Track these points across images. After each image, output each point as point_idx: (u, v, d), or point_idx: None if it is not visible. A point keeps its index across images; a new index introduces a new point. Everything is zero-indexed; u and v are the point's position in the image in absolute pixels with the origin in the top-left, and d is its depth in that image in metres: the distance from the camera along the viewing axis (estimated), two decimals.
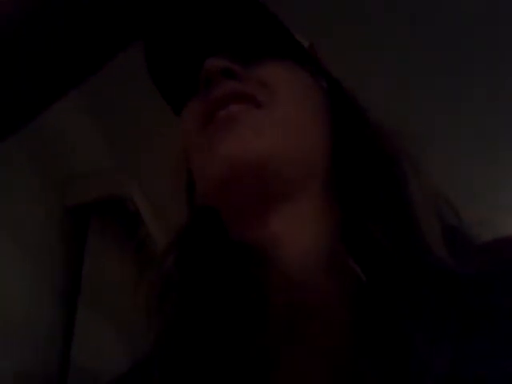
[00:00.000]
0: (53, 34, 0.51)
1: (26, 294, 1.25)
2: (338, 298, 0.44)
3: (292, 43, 0.54)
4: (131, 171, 1.61)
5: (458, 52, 1.50)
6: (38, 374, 1.23)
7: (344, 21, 1.41)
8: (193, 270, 0.50)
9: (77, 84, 0.55)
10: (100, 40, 0.53)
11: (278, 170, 0.46)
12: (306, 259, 0.46)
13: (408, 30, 1.46)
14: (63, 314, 1.37)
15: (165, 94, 0.57)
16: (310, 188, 0.49)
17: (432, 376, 0.36)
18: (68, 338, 1.33)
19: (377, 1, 1.40)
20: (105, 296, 1.45)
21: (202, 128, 0.49)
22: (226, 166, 0.45)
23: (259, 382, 0.42)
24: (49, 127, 1.36)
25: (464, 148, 1.74)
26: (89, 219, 1.55)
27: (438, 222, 0.46)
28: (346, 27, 1.42)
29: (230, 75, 0.49)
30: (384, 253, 0.43)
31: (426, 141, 0.50)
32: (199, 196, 0.53)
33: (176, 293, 0.49)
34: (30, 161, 1.36)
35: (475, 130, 1.70)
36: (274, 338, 0.43)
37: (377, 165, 0.49)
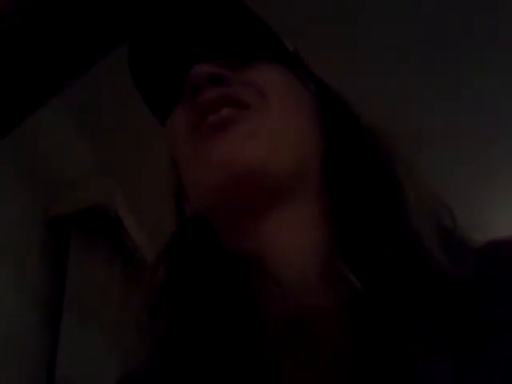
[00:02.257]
0: (37, 37, 0.50)
1: (8, 308, 1.22)
2: (334, 308, 0.43)
3: (278, 46, 0.54)
4: (116, 179, 1.58)
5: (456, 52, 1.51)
6: None
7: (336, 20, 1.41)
8: (185, 282, 0.49)
9: (61, 88, 0.54)
10: (86, 43, 0.52)
11: (269, 175, 0.45)
12: (302, 268, 0.45)
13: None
14: (47, 327, 1.34)
15: (149, 101, 0.56)
16: (303, 193, 0.48)
17: None
18: (53, 352, 1.31)
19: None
20: (89, 306, 1.43)
21: (191, 135, 0.49)
22: (220, 172, 0.45)
23: None
24: (32, 135, 1.34)
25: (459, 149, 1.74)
26: (70, 229, 1.52)
27: (435, 225, 0.45)
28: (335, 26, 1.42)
29: (218, 81, 0.48)
30: (381, 259, 0.42)
31: (419, 141, 0.50)
32: (192, 204, 0.52)
33: (169, 304, 0.48)
34: (13, 169, 1.34)
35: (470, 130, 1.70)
36: (272, 351, 0.42)
37: (371, 168, 0.49)
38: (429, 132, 0.54)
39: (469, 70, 1.54)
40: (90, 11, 0.49)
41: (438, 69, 1.53)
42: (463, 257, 0.43)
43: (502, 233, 0.46)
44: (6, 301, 1.22)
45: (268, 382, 0.41)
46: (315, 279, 0.45)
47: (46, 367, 1.28)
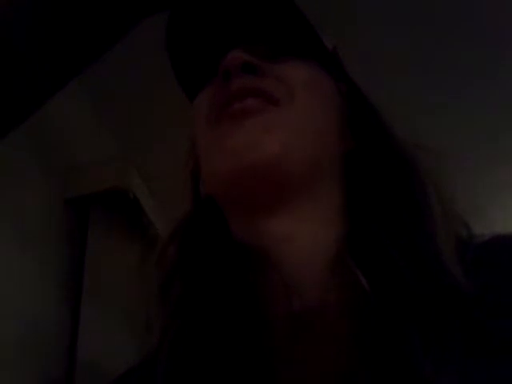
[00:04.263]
0: (50, 19, 0.49)
1: (28, 291, 1.23)
2: (340, 306, 0.43)
3: (318, 44, 0.53)
4: (132, 160, 1.58)
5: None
6: (45, 372, 1.22)
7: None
8: (194, 267, 0.49)
9: (77, 73, 0.53)
10: (100, 25, 0.51)
11: (285, 170, 0.46)
12: (309, 265, 0.45)
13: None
14: (67, 309, 1.35)
15: (181, 77, 0.56)
16: (318, 191, 0.48)
17: None
18: (74, 333, 1.32)
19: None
20: (109, 287, 1.44)
21: (215, 118, 0.49)
22: (233, 161, 0.45)
23: None
24: (48, 118, 1.33)
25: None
26: (88, 210, 1.53)
27: (454, 237, 0.45)
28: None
29: (251, 70, 0.48)
30: (392, 264, 0.42)
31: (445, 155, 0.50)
32: (205, 184, 0.53)
33: (179, 284, 0.48)
34: (30, 154, 1.34)
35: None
36: (276, 346, 0.42)
37: (394, 176, 0.49)
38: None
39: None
40: None
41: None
42: (476, 266, 0.42)
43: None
44: (29, 285, 1.23)
45: (271, 376, 0.41)
46: (323, 276, 0.44)
47: (67, 351, 1.29)
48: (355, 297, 0.42)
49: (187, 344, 0.44)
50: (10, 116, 0.51)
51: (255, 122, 0.46)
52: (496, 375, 0.36)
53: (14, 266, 1.19)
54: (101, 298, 1.40)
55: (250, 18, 0.52)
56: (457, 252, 0.43)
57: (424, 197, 0.46)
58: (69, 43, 0.51)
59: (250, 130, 0.46)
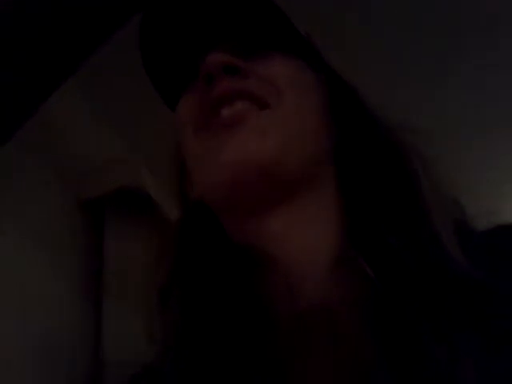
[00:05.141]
0: (43, 17, 0.49)
1: (48, 295, 1.23)
2: (347, 303, 0.42)
3: (295, 36, 0.52)
4: (142, 158, 1.58)
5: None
6: (71, 373, 1.23)
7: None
8: (193, 273, 0.48)
9: (75, 69, 0.53)
10: (97, 19, 0.50)
11: (281, 173, 0.45)
12: (312, 264, 0.45)
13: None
14: (88, 310, 1.36)
15: (158, 85, 0.55)
16: (316, 189, 0.48)
17: None
18: (97, 334, 1.32)
19: None
20: (129, 286, 1.44)
21: (201, 126, 0.48)
22: (232, 169, 0.44)
23: None
24: (53, 120, 1.33)
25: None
26: (103, 211, 1.53)
27: (451, 221, 0.44)
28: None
29: (233, 71, 0.47)
30: (396, 256, 0.41)
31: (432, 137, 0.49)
32: (196, 193, 0.51)
33: (179, 290, 0.48)
34: (42, 156, 1.34)
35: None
36: (282, 347, 0.41)
37: (384, 162, 0.48)
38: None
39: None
40: None
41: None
42: (475, 251, 0.41)
43: None
44: (46, 288, 1.23)
45: (279, 378, 0.40)
46: (327, 273, 0.44)
47: (92, 352, 1.30)
48: (363, 290, 0.41)
49: (193, 348, 0.43)
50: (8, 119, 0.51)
51: (247, 126, 0.45)
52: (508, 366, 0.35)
53: (28, 268, 1.20)
54: (121, 298, 1.41)
55: (224, 16, 0.51)
56: (458, 238, 0.42)
57: (415, 182, 0.46)
58: (62, 38, 0.50)
59: (244, 136, 0.44)
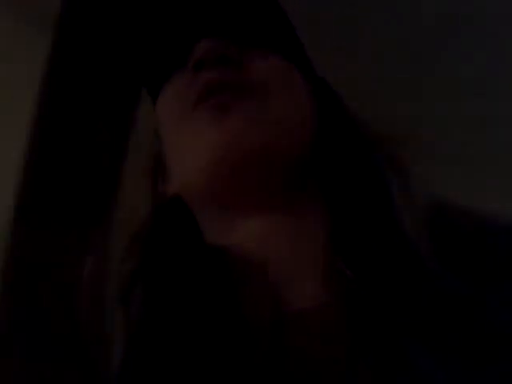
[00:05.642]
0: None
1: None
2: (331, 304, 0.42)
3: (291, 37, 0.53)
4: None
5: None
6: None
7: None
8: (161, 274, 0.47)
9: None
10: None
11: (265, 164, 0.45)
12: (295, 263, 0.44)
13: None
14: None
15: (141, 71, 0.54)
16: (298, 188, 0.48)
17: None
18: None
19: None
20: None
21: (187, 113, 0.47)
22: (216, 154, 0.44)
23: None
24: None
25: None
26: None
27: (426, 230, 0.45)
28: None
29: (225, 61, 0.47)
30: (371, 255, 0.42)
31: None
32: (173, 187, 0.50)
33: (142, 298, 0.46)
34: None
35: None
36: (261, 353, 0.40)
37: (361, 169, 0.49)
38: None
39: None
40: None
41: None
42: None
43: None
44: None
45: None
46: (310, 275, 0.44)
47: None
48: (344, 293, 0.41)
49: (161, 355, 0.41)
50: None
51: (237, 114, 0.44)
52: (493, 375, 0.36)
53: None
54: None
55: (220, 7, 0.50)
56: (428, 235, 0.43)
57: (391, 191, 0.47)
58: None
59: (234, 122, 0.44)
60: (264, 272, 0.43)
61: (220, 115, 0.44)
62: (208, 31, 0.48)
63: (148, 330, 0.44)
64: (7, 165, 0.98)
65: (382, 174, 0.48)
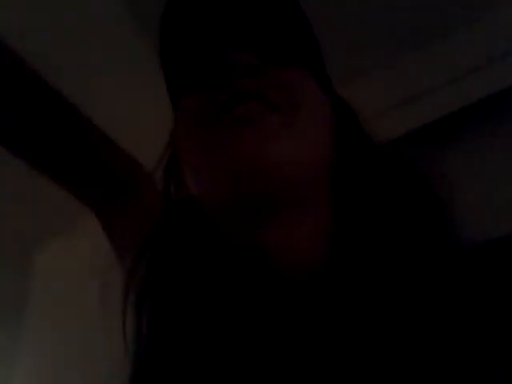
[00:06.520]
0: None
1: None
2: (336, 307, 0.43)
3: (314, 51, 0.53)
4: None
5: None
6: None
7: None
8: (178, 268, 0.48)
9: None
10: None
11: (286, 178, 0.45)
12: (307, 272, 0.46)
13: None
14: None
15: (171, 76, 0.55)
16: (314, 203, 0.48)
17: None
18: None
19: None
20: None
21: (208, 122, 0.47)
22: (240, 166, 0.44)
23: None
24: None
25: None
26: None
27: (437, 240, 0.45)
28: None
29: (253, 73, 0.47)
30: (375, 266, 0.43)
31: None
32: (188, 188, 0.51)
33: (154, 304, 0.48)
34: None
35: None
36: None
37: (375, 188, 0.49)
38: None
39: None
40: None
41: None
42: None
43: None
44: None
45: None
46: (316, 283, 0.45)
47: None
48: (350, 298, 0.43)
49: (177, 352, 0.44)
50: None
51: (261, 128, 0.44)
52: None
53: None
54: None
55: (249, 20, 0.50)
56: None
57: (403, 205, 0.47)
58: None
59: (256, 135, 0.44)
60: (282, 279, 0.45)
61: (243, 127, 0.44)
62: (233, 45, 0.49)
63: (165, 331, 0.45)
64: None
65: (400, 198, 0.48)
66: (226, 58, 0.47)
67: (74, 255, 1.63)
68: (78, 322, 1.36)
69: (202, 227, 0.50)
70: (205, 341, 0.43)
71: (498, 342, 0.39)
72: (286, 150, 0.44)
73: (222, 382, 0.41)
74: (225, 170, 0.45)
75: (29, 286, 1.78)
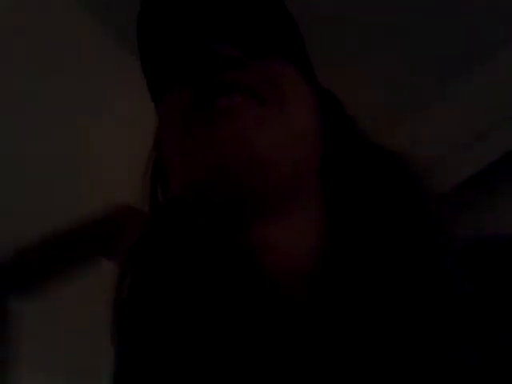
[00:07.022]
0: None
1: None
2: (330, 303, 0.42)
3: (297, 43, 0.53)
4: None
5: None
6: None
7: None
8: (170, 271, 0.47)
9: None
10: None
11: (272, 169, 0.44)
12: (295, 270, 0.45)
13: None
14: None
15: (149, 73, 0.54)
16: (301, 198, 0.47)
17: None
18: None
19: None
20: None
21: (192, 114, 0.46)
22: (220, 155, 0.43)
23: None
24: None
25: None
26: None
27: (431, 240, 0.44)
28: None
29: (236, 65, 0.46)
30: (369, 261, 0.43)
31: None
32: (177, 185, 0.50)
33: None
34: None
35: None
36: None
37: (364, 177, 0.48)
38: None
39: None
40: None
41: None
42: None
43: None
44: None
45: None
46: (309, 279, 0.44)
47: None
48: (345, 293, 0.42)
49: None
50: None
51: (246, 117, 0.44)
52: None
53: None
54: None
55: (230, 12, 0.50)
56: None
57: (396, 200, 0.46)
58: None
59: (242, 124, 0.43)
60: (270, 276, 0.44)
61: (228, 118, 0.44)
62: (216, 37, 0.48)
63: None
64: None
65: (388, 188, 0.47)
66: (209, 50, 0.46)
67: None
68: None
69: (189, 229, 0.49)
70: (190, 343, 0.42)
71: (493, 333, 0.38)
72: (272, 139, 0.44)
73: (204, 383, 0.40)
74: (209, 165, 0.44)
75: None
